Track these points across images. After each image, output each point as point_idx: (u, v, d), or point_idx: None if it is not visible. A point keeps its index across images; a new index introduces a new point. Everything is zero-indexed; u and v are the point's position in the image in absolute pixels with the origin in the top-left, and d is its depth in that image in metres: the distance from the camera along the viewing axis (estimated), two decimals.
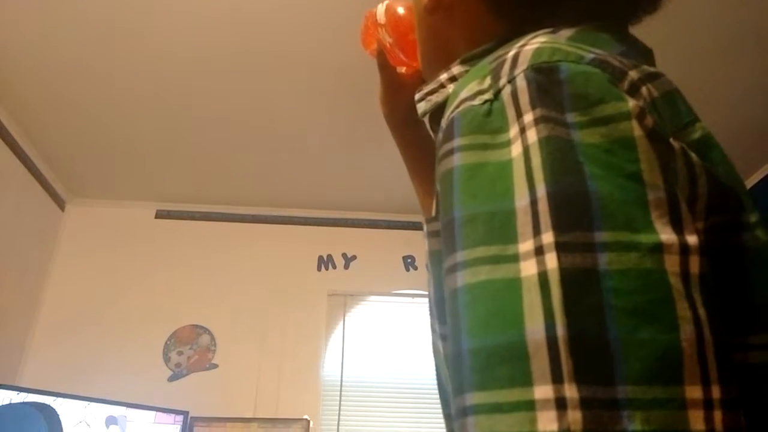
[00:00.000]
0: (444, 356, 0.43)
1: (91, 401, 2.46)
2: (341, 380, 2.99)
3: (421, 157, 0.79)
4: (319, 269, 3.21)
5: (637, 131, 0.34)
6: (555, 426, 0.28)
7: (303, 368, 2.95)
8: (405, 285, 3.20)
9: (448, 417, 0.49)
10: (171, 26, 2.16)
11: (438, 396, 0.53)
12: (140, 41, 2.22)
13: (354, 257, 3.24)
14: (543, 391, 0.29)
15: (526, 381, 0.30)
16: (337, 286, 3.18)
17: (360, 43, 0.76)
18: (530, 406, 0.29)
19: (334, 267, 3.22)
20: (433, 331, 0.48)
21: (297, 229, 3.29)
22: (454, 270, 0.35)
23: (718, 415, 0.29)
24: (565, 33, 0.43)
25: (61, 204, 3.14)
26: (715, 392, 0.29)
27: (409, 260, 3.25)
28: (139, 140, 2.77)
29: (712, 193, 0.37)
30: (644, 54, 0.46)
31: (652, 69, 0.39)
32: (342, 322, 3.13)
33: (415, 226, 3.31)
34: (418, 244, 3.26)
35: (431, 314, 0.48)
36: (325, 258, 3.23)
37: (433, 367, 0.52)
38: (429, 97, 0.50)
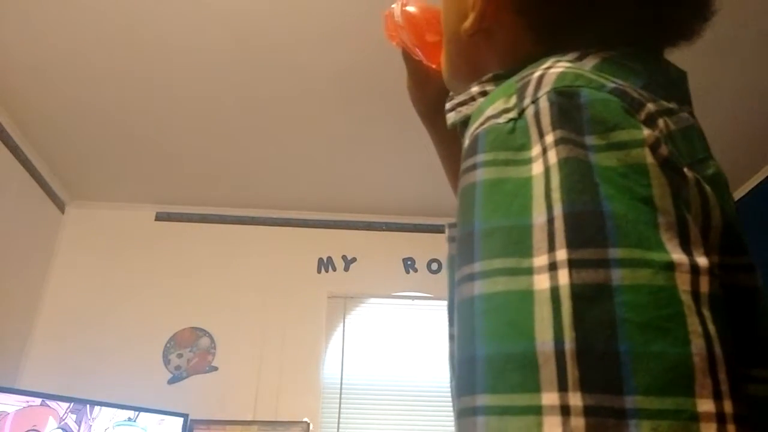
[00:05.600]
0: (450, 355, 0.44)
1: (90, 404, 2.46)
2: (341, 383, 2.99)
3: (450, 144, 0.81)
4: (318, 271, 3.21)
5: (649, 159, 0.35)
6: (559, 430, 0.30)
7: (303, 371, 2.95)
8: (405, 287, 3.19)
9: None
10: (171, 29, 2.16)
11: (450, 398, 0.54)
12: (140, 44, 2.22)
13: (354, 259, 3.24)
14: (550, 398, 0.31)
15: (535, 388, 0.31)
16: (337, 288, 3.18)
17: (385, 35, 0.76)
18: (538, 410, 0.31)
19: (334, 269, 3.22)
20: (450, 335, 0.50)
21: (297, 231, 3.29)
22: (471, 279, 0.36)
23: (731, 429, 0.30)
24: (591, 61, 0.45)
25: (60, 206, 3.13)
26: (728, 407, 0.30)
27: (409, 262, 3.25)
28: (139, 143, 2.77)
29: (725, 229, 0.38)
30: (674, 82, 0.47)
31: (670, 105, 0.41)
32: (342, 325, 3.12)
33: (416, 228, 3.31)
34: (418, 246, 3.26)
35: (449, 317, 0.50)
36: (324, 260, 3.23)
37: (448, 370, 0.54)
38: (459, 109, 0.51)
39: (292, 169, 2.96)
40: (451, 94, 0.53)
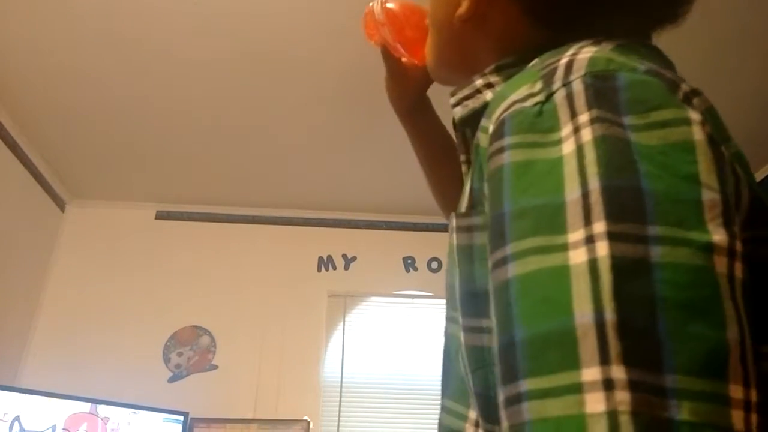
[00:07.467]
0: (472, 347, 0.43)
1: (91, 402, 2.46)
2: (341, 381, 2.99)
3: (429, 143, 0.82)
4: (319, 270, 3.21)
5: (698, 135, 0.35)
6: (603, 407, 0.29)
7: (303, 369, 2.95)
8: (405, 286, 3.19)
9: (443, 409, 0.49)
10: (170, 28, 2.16)
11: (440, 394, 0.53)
12: (140, 43, 2.22)
13: (354, 258, 3.24)
14: (591, 373, 0.30)
15: (575, 365, 0.30)
16: (338, 286, 3.18)
17: (364, 35, 0.77)
18: (579, 388, 0.30)
19: (334, 268, 3.22)
20: (451, 321, 0.48)
21: (297, 229, 3.29)
22: (504, 263, 0.35)
23: (754, 418, 0.30)
24: (607, 46, 0.44)
25: (61, 205, 3.13)
26: (753, 395, 0.30)
27: (409, 261, 3.25)
28: (139, 141, 2.77)
29: (752, 205, 0.38)
30: (671, 67, 0.47)
31: (693, 85, 0.41)
32: (342, 323, 3.12)
33: (415, 227, 3.31)
34: (418, 245, 3.26)
35: (451, 306, 0.48)
36: (325, 259, 3.23)
37: (441, 355, 0.52)
38: (465, 102, 0.51)
39: (293, 168, 2.96)
40: (453, 89, 0.53)
